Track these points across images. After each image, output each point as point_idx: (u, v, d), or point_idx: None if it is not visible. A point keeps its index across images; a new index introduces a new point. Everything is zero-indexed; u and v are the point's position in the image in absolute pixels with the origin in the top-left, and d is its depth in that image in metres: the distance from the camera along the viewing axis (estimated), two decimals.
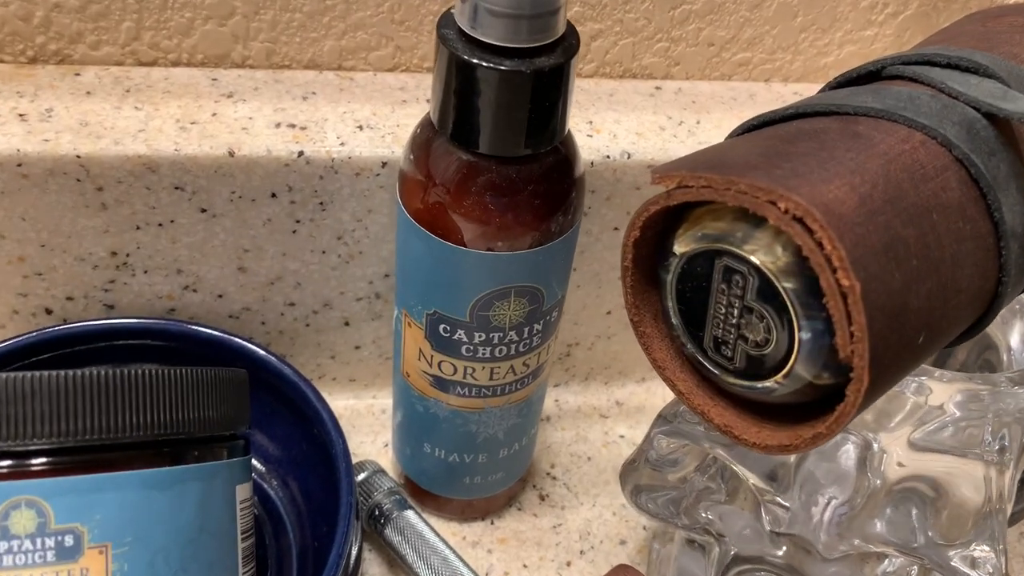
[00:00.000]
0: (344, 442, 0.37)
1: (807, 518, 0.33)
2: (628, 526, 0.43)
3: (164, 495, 0.27)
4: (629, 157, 0.39)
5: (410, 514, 0.40)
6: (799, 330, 0.24)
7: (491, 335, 0.34)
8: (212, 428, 0.29)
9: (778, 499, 0.34)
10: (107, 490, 0.26)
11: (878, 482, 0.33)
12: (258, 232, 0.39)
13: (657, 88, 0.42)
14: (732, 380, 0.27)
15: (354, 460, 0.40)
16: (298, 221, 0.39)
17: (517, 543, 0.42)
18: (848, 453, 0.34)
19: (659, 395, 0.49)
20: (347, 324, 0.44)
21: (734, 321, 0.26)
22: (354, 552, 0.36)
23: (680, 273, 0.27)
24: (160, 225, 0.38)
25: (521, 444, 0.40)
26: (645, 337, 0.29)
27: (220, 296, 0.41)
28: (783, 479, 0.34)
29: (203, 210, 0.38)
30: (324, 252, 0.40)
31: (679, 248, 0.26)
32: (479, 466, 0.40)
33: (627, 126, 0.40)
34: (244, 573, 0.30)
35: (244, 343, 0.39)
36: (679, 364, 0.29)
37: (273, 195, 0.38)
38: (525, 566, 0.41)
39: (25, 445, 0.25)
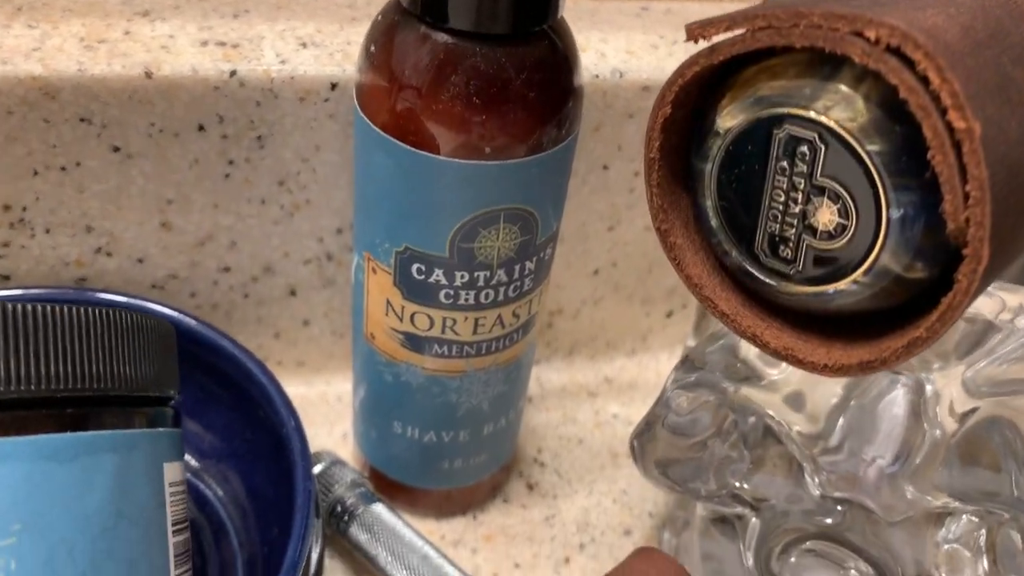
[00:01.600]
0: (298, 420, 0.30)
1: (859, 477, 0.28)
2: (632, 514, 0.37)
3: (66, 469, 0.20)
4: (621, 76, 0.33)
5: (379, 507, 0.33)
6: (887, 207, 0.19)
7: (476, 275, 0.28)
8: (130, 386, 0.22)
9: (824, 456, 0.28)
10: None
11: (937, 432, 0.28)
12: (184, 177, 0.33)
13: (644, 9, 0.37)
14: (794, 289, 0.21)
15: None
16: (231, 162, 0.33)
17: (506, 540, 0.36)
18: (896, 401, 0.29)
19: (652, 369, 0.44)
20: (293, 294, 0.37)
21: (797, 209, 0.20)
22: (314, 556, 0.29)
23: (723, 159, 0.21)
24: (63, 169, 0.31)
25: (508, 419, 0.34)
26: (676, 249, 0.23)
27: (140, 261, 0.35)
28: (824, 434, 0.29)
29: (116, 148, 0.31)
30: (263, 202, 0.34)
31: (723, 123, 0.21)
32: (460, 447, 0.33)
33: (616, 45, 0.34)
34: (178, 574, 0.23)
35: (171, 312, 0.33)
36: (719, 280, 0.23)
37: (201, 128, 0.31)
38: (517, 565, 0.35)
39: None
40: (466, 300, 0.28)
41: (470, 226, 0.26)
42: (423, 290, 0.28)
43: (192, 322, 0.33)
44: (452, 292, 0.28)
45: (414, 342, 0.30)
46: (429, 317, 0.29)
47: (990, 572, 0.27)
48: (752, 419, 0.31)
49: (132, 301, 0.32)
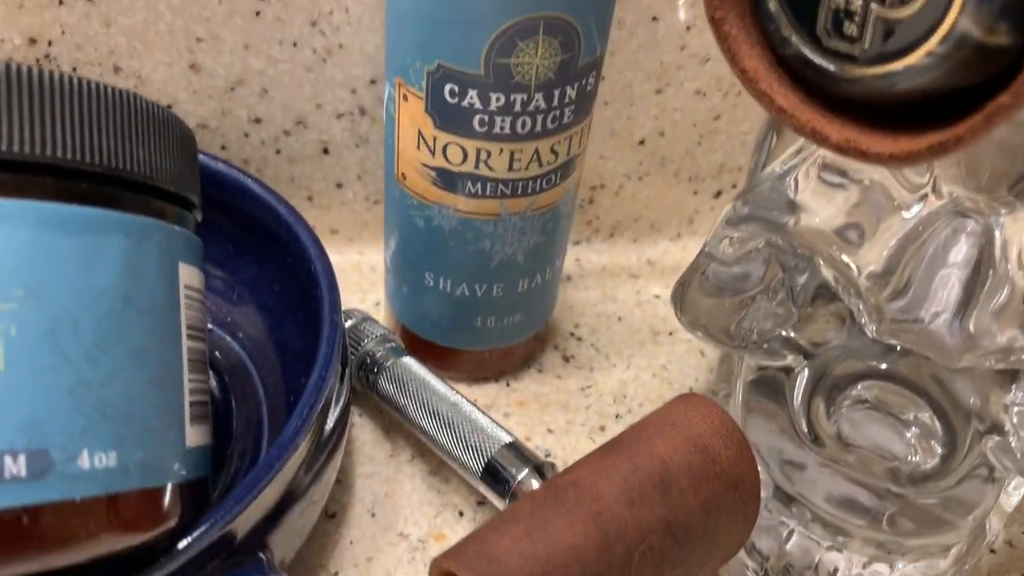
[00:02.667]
0: (326, 258, 0.29)
1: (921, 326, 0.26)
2: (672, 388, 0.36)
3: (72, 243, 0.19)
4: None
5: (408, 360, 0.32)
6: None
7: (512, 98, 0.26)
8: (146, 173, 0.21)
9: (886, 303, 0.26)
10: None
11: (1005, 283, 0.26)
12: (213, 13, 0.31)
13: None
14: (859, 72, 0.19)
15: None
16: None
17: (539, 406, 0.35)
18: (962, 248, 0.27)
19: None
20: (326, 152, 0.36)
21: None
22: (339, 402, 0.28)
23: None
24: (90, 1, 0.30)
25: (544, 277, 0.32)
26: (730, 40, 0.21)
27: (169, 107, 0.34)
28: (884, 279, 0.27)
29: None
30: (295, 44, 0.33)
31: None
32: (493, 303, 0.32)
33: None
34: (192, 382, 0.22)
35: (201, 155, 0.31)
36: (777, 75, 0.21)
37: None
38: (550, 431, 0.34)
39: None
40: (501, 128, 0.27)
41: (507, 37, 0.25)
42: (456, 116, 0.27)
43: (220, 164, 0.31)
44: (487, 118, 0.27)
45: (446, 179, 0.28)
46: (462, 149, 0.27)
47: None
48: (803, 278, 0.29)
49: None
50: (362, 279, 0.39)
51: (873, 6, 0.18)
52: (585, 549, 0.23)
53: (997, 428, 0.25)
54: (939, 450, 0.26)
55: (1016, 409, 0.26)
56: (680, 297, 0.29)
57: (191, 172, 0.24)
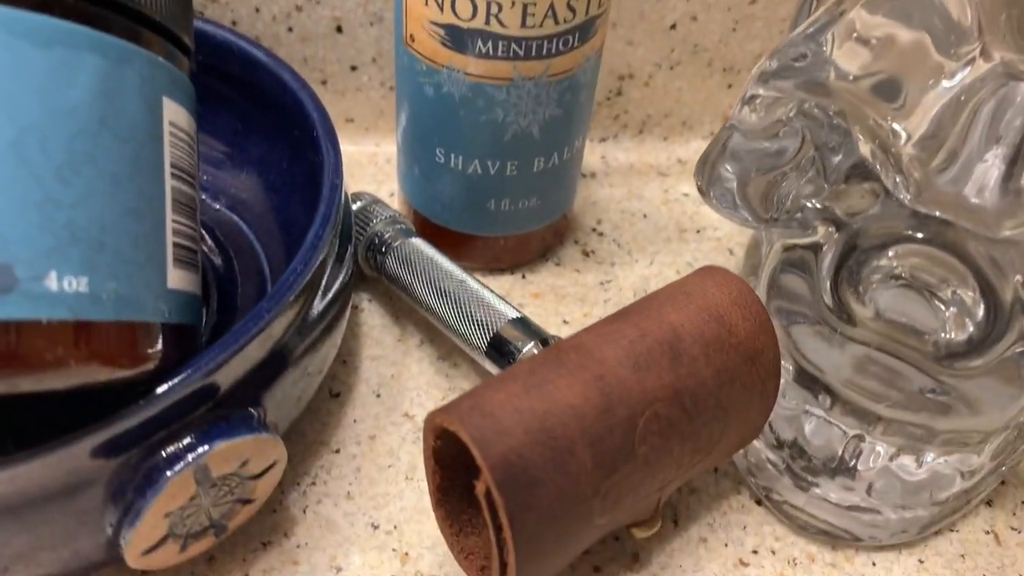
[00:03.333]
0: (330, 124, 0.28)
1: (962, 195, 0.24)
2: None
3: (42, 55, 0.18)
4: None
5: (417, 240, 0.31)
6: None
7: None
8: None
9: (932, 168, 0.24)
10: None
11: None
12: None
13: None
14: None
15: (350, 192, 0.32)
16: None
17: (555, 298, 0.33)
18: (1014, 114, 0.24)
19: None
20: (339, 30, 0.35)
21: None
22: (342, 272, 0.27)
23: None
24: None
25: (562, 158, 0.31)
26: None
27: None
28: (930, 145, 0.25)
29: None
30: None
31: None
32: (507, 183, 0.30)
33: None
34: (176, 224, 0.21)
35: (208, 26, 0.30)
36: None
37: None
38: (565, 322, 0.32)
39: None
40: None
41: None
42: None
43: (228, 33, 0.30)
44: None
45: (456, 38, 0.27)
46: (471, 2, 0.26)
47: None
48: (837, 158, 0.27)
49: None
50: (377, 171, 0.38)
51: None
52: (585, 410, 0.21)
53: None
54: (974, 326, 0.24)
55: None
56: (706, 173, 0.28)
57: (183, 13, 0.23)
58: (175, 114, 0.22)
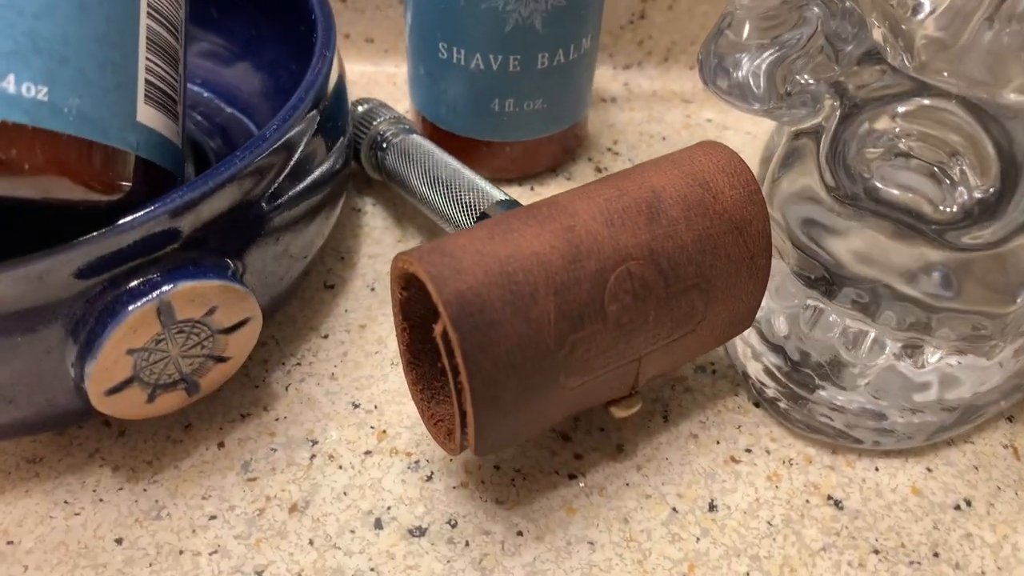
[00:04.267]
0: (327, 6, 0.28)
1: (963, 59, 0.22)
2: None
3: None
4: None
5: (417, 136, 0.30)
6: None
7: None
8: None
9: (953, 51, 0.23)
10: None
11: None
12: None
13: None
14: None
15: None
16: None
17: None
18: None
19: None
20: None
21: None
22: (332, 153, 0.27)
23: None
24: None
25: (568, 56, 0.30)
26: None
27: None
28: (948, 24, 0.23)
29: None
30: None
31: None
32: (511, 80, 0.30)
33: None
34: (151, 63, 0.21)
35: None
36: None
37: None
38: None
39: None
40: None
41: None
42: None
43: None
44: None
45: None
46: None
47: None
48: (850, 47, 0.25)
49: None
50: (395, 90, 0.38)
51: None
52: (551, 258, 0.21)
53: None
54: (979, 192, 0.22)
55: None
56: (709, 60, 0.27)
57: None
58: None
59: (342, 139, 0.28)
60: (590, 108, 0.34)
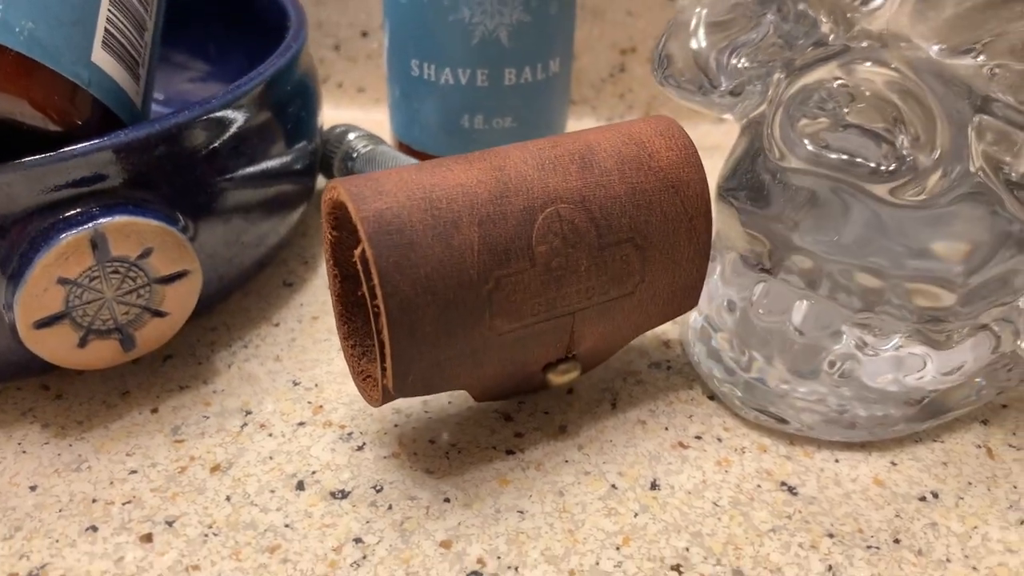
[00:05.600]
0: (301, 10, 0.30)
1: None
2: None
3: None
4: None
5: (385, 147, 0.31)
6: None
7: None
8: None
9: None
10: None
11: None
12: None
13: None
14: None
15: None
16: None
17: None
18: None
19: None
20: None
21: None
22: (283, 153, 0.28)
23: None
24: None
25: (535, 75, 0.31)
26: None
27: None
28: None
29: None
30: None
31: None
32: (479, 95, 0.31)
33: None
34: (112, 15, 0.23)
35: None
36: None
37: None
38: None
39: None
40: None
41: None
42: None
43: None
44: None
45: None
46: None
47: None
48: (802, 41, 0.26)
49: None
50: (383, 133, 0.39)
51: None
52: (476, 191, 0.21)
53: (987, 104, 0.21)
54: (922, 152, 0.22)
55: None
56: (661, 56, 0.27)
57: None
58: None
59: (305, 142, 0.29)
60: None
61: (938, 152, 0.22)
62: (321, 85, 0.39)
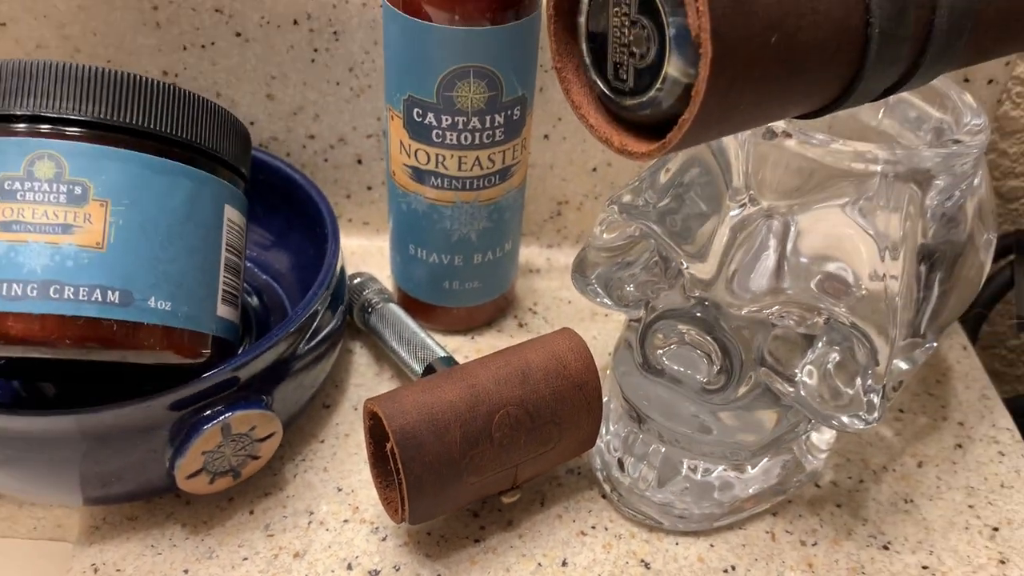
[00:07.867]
0: (335, 223, 0.43)
1: (720, 285, 0.37)
2: (597, 352, 0.47)
3: (158, 178, 0.33)
4: None
5: (392, 305, 0.45)
6: (667, 27, 0.29)
7: (456, 119, 0.39)
8: (210, 146, 0.35)
9: (695, 267, 0.37)
10: (111, 159, 0.32)
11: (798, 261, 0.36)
12: (283, 59, 0.46)
13: None
14: (627, 102, 0.31)
15: (353, 271, 0.46)
16: (316, 50, 0.46)
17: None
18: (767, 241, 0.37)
19: None
20: (360, 162, 0.50)
21: (625, 41, 0.30)
22: (334, 319, 0.41)
23: (588, 11, 0.32)
24: (203, 47, 0.46)
25: (495, 255, 0.45)
26: (567, 82, 0.34)
27: (252, 123, 0.48)
28: (704, 253, 0.38)
29: (237, 34, 0.45)
30: (338, 84, 0.47)
31: None
32: (456, 270, 0.45)
33: None
34: (225, 280, 0.36)
35: (271, 159, 0.46)
36: (592, 104, 0.34)
37: (295, 22, 0.45)
38: None
39: (57, 113, 0.32)
40: (450, 140, 0.40)
41: (449, 78, 0.38)
42: (421, 130, 0.40)
43: (279, 163, 0.46)
44: (440, 132, 0.40)
45: (418, 175, 0.42)
46: (426, 153, 0.41)
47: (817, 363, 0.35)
48: (673, 264, 0.40)
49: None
50: (382, 259, 0.52)
51: (629, 60, 0.30)
52: (459, 406, 0.35)
53: (763, 361, 0.36)
54: (723, 373, 0.36)
55: (806, 368, 0.36)
56: (578, 267, 0.41)
57: (243, 155, 0.38)
58: (231, 214, 0.36)
59: (342, 306, 0.43)
60: (519, 276, 0.49)
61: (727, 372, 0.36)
62: None
